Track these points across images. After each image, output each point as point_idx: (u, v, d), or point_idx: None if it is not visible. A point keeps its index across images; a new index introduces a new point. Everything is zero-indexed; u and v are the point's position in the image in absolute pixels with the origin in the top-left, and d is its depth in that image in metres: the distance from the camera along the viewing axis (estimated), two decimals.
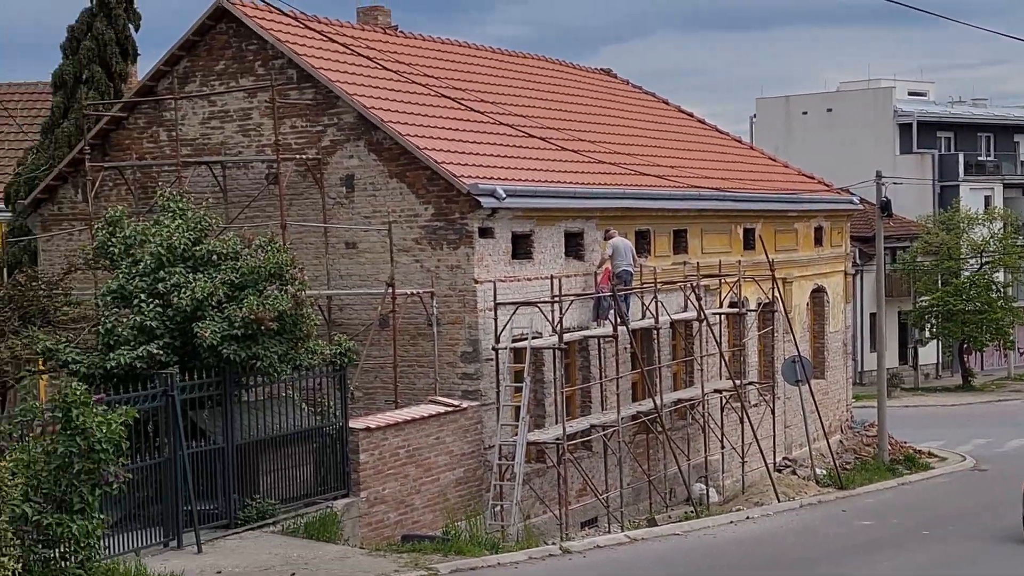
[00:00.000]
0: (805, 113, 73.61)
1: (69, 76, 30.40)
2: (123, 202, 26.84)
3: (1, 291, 23.66)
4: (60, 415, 15.96)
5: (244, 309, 19.54)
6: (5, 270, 27.51)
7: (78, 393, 15.92)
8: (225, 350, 19.50)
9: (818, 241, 38.52)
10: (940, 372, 67.65)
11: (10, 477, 14.76)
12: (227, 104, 27.08)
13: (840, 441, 38.96)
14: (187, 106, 27.35)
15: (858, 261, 54.79)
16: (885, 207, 40.55)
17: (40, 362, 21.70)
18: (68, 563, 15.94)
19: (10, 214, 30.79)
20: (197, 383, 19.59)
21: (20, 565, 14.68)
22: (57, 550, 15.83)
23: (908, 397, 58.66)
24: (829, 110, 72.92)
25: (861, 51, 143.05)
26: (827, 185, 40.70)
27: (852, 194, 41.76)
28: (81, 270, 25.26)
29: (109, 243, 21.51)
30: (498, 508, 24.40)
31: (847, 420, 40.68)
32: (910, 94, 74.91)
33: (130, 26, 31.02)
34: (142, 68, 31.47)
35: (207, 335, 19.37)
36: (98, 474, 15.89)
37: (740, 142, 41.77)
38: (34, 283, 24.00)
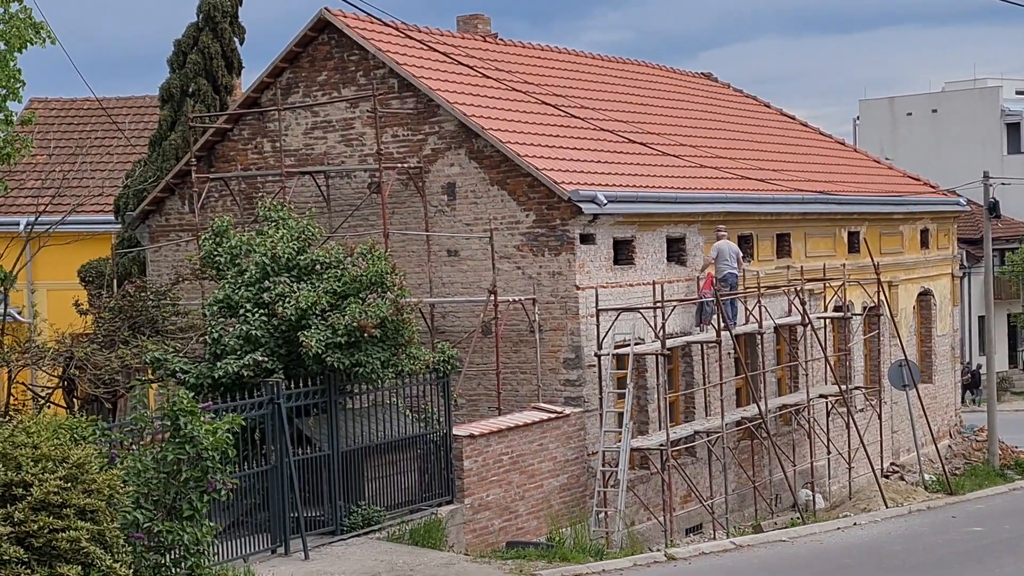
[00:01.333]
0: (909, 114, 72.59)
1: (176, 89, 30.84)
2: (228, 212, 27.19)
3: (111, 302, 24.03)
4: (169, 423, 16.18)
5: (347, 317, 19.68)
6: (115, 281, 27.93)
7: (185, 402, 16.13)
8: (329, 358, 19.65)
9: (924, 243, 37.99)
10: None
11: (122, 484, 14.98)
12: (329, 114, 27.32)
13: (949, 446, 38.36)
14: (290, 117, 27.64)
15: (965, 263, 53.94)
16: (993, 208, 39.94)
17: (149, 371, 22.01)
18: (178, 569, 16.13)
19: (119, 226, 31.28)
20: (303, 391, 19.75)
21: (132, 571, 14.88)
22: (168, 556, 16.03)
23: (1018, 401, 57.58)
24: (934, 111, 71.84)
25: (967, 51, 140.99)
26: (933, 187, 40.14)
27: (959, 196, 41.13)
28: (188, 280, 25.60)
29: (215, 253, 21.77)
30: (602, 515, 24.34)
31: (956, 425, 40.04)
32: (1018, 93, 73.50)
33: (235, 39, 31.40)
34: (246, 80, 31.91)
35: (312, 344, 19.54)
36: (206, 481, 16.08)
37: (843, 144, 41.33)
38: (143, 293, 24.35)
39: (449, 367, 21.97)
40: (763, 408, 28.06)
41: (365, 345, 19.86)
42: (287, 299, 20.21)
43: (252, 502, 18.88)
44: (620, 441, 24.47)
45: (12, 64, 20.38)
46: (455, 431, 21.98)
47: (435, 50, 26.73)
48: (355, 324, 19.56)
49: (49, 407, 22.29)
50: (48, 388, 23.05)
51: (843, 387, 31.32)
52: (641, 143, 28.84)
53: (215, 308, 21.15)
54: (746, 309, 28.79)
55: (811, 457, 30.47)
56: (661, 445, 25.31)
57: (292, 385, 19.69)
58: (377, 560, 18.88)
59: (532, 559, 20.29)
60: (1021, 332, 63.73)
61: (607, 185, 25.87)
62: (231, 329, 20.54)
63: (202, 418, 16.17)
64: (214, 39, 30.87)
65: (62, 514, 13.93)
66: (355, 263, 20.61)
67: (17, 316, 29.59)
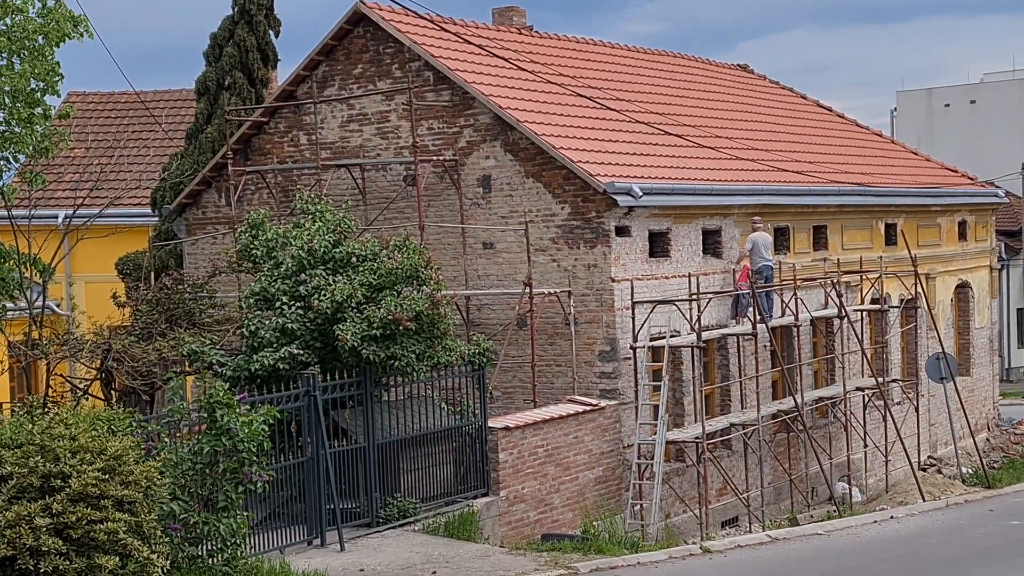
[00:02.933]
0: (947, 105, 72.09)
1: (212, 82, 30.92)
2: (265, 205, 27.29)
3: (149, 294, 24.15)
4: (205, 415, 16.25)
5: (382, 310, 19.69)
6: (152, 274, 28.07)
7: (221, 394, 16.19)
8: (364, 350, 19.67)
9: (962, 236, 37.76)
10: None
11: (159, 476, 15.07)
12: (365, 107, 27.36)
13: (987, 439, 38.13)
14: (326, 110, 27.70)
15: (1004, 256, 53.52)
16: None
17: (186, 363, 22.09)
18: (215, 560, 16.22)
19: (157, 219, 31.41)
20: (338, 383, 19.78)
21: (169, 562, 14.98)
22: (204, 547, 16.12)
23: None
24: (972, 102, 71.29)
25: (1006, 41, 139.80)
26: (971, 178, 39.89)
27: (997, 187, 40.87)
28: (225, 273, 25.69)
29: (252, 246, 21.83)
30: (637, 507, 24.32)
31: (994, 418, 39.81)
32: None
33: (271, 32, 31.45)
34: (282, 73, 31.96)
35: (347, 337, 19.57)
36: (242, 473, 16.15)
37: (881, 136, 41.12)
38: (180, 286, 24.45)
39: (484, 359, 21.99)
40: (799, 401, 27.96)
41: (401, 338, 19.88)
42: (323, 292, 20.27)
43: (288, 494, 18.95)
44: (656, 434, 24.44)
45: (51, 58, 20.45)
46: (491, 423, 22.00)
47: (470, 43, 26.74)
48: (390, 317, 19.59)
49: (87, 399, 22.41)
50: (86, 380, 23.19)
51: (880, 380, 31.17)
52: (677, 135, 28.78)
53: (252, 301, 21.22)
54: (782, 301, 28.70)
55: (848, 450, 30.35)
56: (697, 438, 25.25)
57: (328, 378, 19.72)
58: (413, 552, 18.92)
59: (567, 551, 20.29)
60: None
61: (643, 177, 25.80)
62: (267, 322, 20.59)
63: (238, 410, 16.24)
64: (249, 32, 30.93)
65: (100, 505, 14.01)
66: (391, 256, 20.60)
67: (55, 308, 29.75)
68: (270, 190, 28.30)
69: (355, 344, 19.60)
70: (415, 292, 20.05)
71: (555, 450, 23.01)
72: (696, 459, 25.59)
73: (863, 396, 31.28)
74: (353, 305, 20.05)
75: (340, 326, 19.79)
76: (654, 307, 25.01)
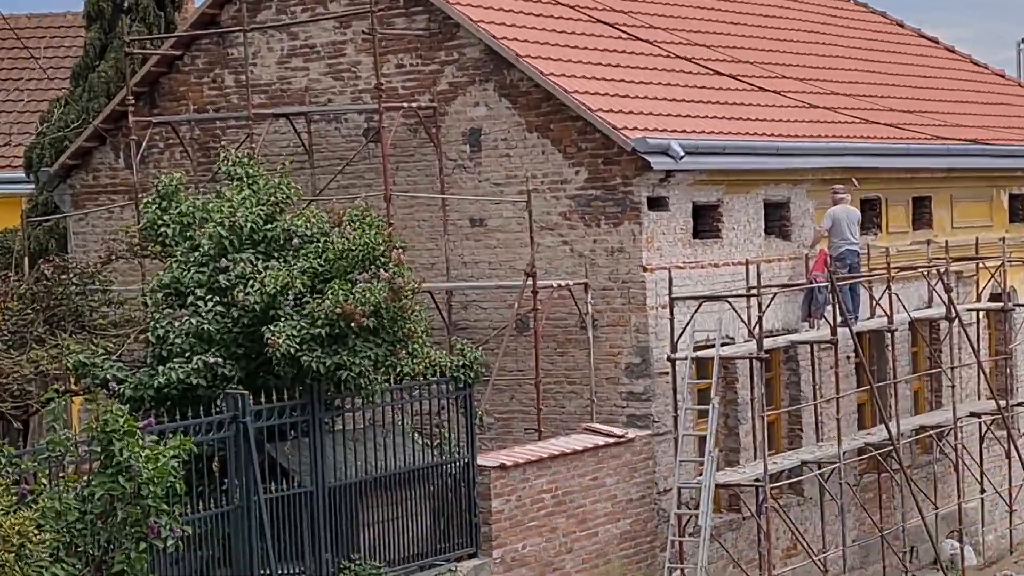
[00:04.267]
0: None
1: (107, 4, 30.91)
2: (178, 168, 27.23)
3: (22, 287, 24.12)
4: (98, 449, 16.21)
5: (328, 302, 19.50)
6: (27, 260, 28.05)
7: (120, 420, 16.15)
8: (305, 357, 19.49)
9: None
10: None
11: (36, 531, 15.01)
12: (312, 37, 27.37)
13: None
14: (260, 41, 27.69)
15: None
16: None
17: (72, 379, 22.07)
18: None
19: (32, 185, 31.39)
20: (276, 407, 19.71)
21: None
22: None
23: None
24: None
25: None
26: None
27: None
28: (124, 258, 25.67)
29: (160, 222, 21.75)
30: (677, 573, 24.34)
31: None
32: None
33: None
34: None
35: (280, 341, 19.35)
36: (146, 526, 16.12)
37: (1004, 77, 41.13)
38: (63, 276, 24.42)
39: (472, 374, 21.99)
40: (894, 431, 27.98)
41: (353, 340, 19.72)
42: (250, 282, 20.14)
43: (209, 554, 18.94)
44: (702, 475, 24.45)
45: None
46: (480, 460, 22.04)
47: None
48: (339, 311, 19.40)
49: None
50: None
51: (1003, 403, 31.19)
52: (729, 75, 28.78)
53: (159, 295, 21.17)
54: (871, 298, 28.71)
55: (959, 497, 30.38)
56: (757, 480, 25.28)
57: (260, 398, 19.62)
58: None
59: None
60: None
61: (684, 132, 25.83)
62: (178, 323, 20.52)
63: (141, 442, 16.20)
64: None
65: None
66: (343, 234, 20.49)
67: None
68: (185, 148, 28.31)
69: (292, 350, 19.44)
70: (374, 280, 19.88)
71: (567, 496, 23.06)
72: (756, 509, 25.62)
73: (980, 425, 31.31)
74: (291, 299, 19.93)
75: (272, 327, 19.67)
76: (700, 305, 25.03)
